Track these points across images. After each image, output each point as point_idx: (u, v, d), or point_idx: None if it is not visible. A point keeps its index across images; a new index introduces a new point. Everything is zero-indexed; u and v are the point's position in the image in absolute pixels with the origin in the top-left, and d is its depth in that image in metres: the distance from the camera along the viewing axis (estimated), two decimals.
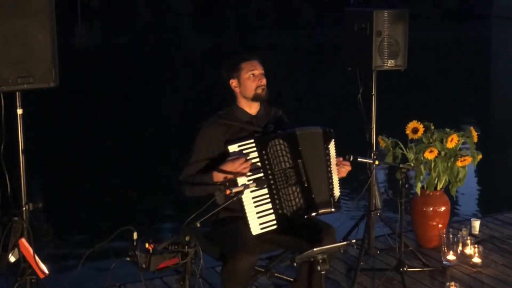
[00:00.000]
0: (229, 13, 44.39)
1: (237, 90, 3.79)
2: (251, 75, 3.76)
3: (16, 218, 3.63)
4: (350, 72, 4.91)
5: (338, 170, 3.77)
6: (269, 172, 3.59)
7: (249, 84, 3.76)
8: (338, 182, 3.77)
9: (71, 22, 36.15)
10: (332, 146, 3.75)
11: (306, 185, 3.62)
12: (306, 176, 3.62)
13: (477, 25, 40.40)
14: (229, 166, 3.55)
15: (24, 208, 3.64)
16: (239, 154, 3.58)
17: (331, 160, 3.73)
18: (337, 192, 3.75)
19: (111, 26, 38.62)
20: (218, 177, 3.57)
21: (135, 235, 3.03)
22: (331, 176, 3.72)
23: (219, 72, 3.81)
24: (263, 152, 3.60)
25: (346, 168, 3.82)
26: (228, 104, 3.85)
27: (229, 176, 3.54)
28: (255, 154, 3.60)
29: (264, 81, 3.79)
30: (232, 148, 3.60)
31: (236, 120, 3.77)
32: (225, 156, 3.61)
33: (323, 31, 33.35)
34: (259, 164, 3.60)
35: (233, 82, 3.79)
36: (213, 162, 3.68)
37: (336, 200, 3.73)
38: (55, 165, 10.13)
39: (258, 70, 3.78)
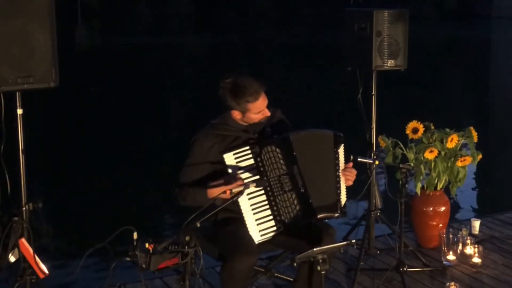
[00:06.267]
0: (229, 13, 44.38)
1: (238, 117, 3.69)
2: (258, 112, 3.67)
3: (16, 218, 3.63)
4: (350, 72, 4.91)
5: (344, 177, 3.70)
6: (265, 178, 3.56)
7: (255, 117, 3.68)
8: (345, 188, 3.71)
9: (71, 22, 36.14)
10: (341, 151, 3.70)
11: (302, 190, 3.57)
12: (303, 181, 3.57)
13: (477, 25, 40.39)
14: (225, 181, 3.50)
15: (24, 208, 3.64)
16: (234, 168, 3.54)
17: (340, 164, 3.68)
18: (343, 197, 3.69)
19: (111, 26, 38.61)
20: (213, 193, 3.50)
21: (135, 235, 3.03)
22: (339, 180, 3.67)
23: (218, 86, 3.65)
24: (258, 159, 3.56)
25: (352, 175, 3.72)
26: (222, 110, 3.77)
27: (227, 189, 3.46)
28: (252, 161, 3.58)
29: (268, 112, 3.69)
30: (228, 156, 3.56)
31: (231, 130, 3.70)
32: (222, 164, 3.57)
33: (323, 31, 33.34)
34: (256, 170, 3.58)
35: (236, 113, 3.67)
36: (209, 173, 3.63)
37: (342, 205, 3.66)
38: (55, 165, 10.14)
39: (264, 105, 3.66)
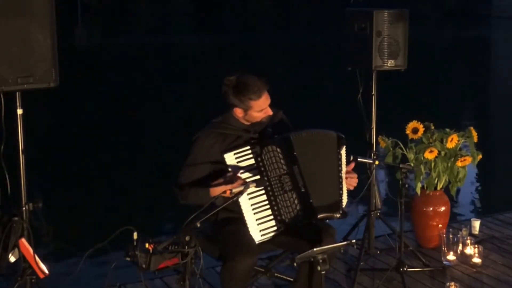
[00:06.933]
0: (229, 13, 44.40)
1: (240, 115, 3.70)
2: (260, 111, 3.68)
3: (16, 218, 3.63)
4: (350, 72, 4.91)
5: (346, 180, 3.69)
6: (265, 178, 3.55)
7: (257, 116, 3.69)
8: (346, 190, 3.71)
9: (71, 22, 36.16)
10: (343, 153, 3.70)
11: (303, 190, 3.56)
12: (303, 181, 3.56)
13: (477, 25, 40.40)
14: (225, 180, 3.51)
15: (24, 208, 3.64)
16: (234, 167, 3.54)
17: (342, 165, 3.68)
18: (345, 198, 3.69)
19: (111, 26, 38.62)
20: (215, 192, 3.50)
21: (135, 235, 3.03)
22: (341, 181, 3.67)
23: (222, 84, 3.66)
24: (259, 159, 3.56)
25: (354, 180, 3.72)
26: (224, 109, 3.77)
27: (227, 189, 3.47)
28: (252, 161, 3.58)
29: (270, 111, 3.71)
30: (228, 156, 3.56)
31: (232, 129, 3.70)
32: (222, 164, 3.57)
33: (323, 31, 33.35)
34: (257, 170, 3.57)
35: (238, 110, 3.68)
36: (210, 172, 3.64)
37: (343, 206, 3.65)
38: (55, 165, 10.13)
39: (266, 103, 3.68)
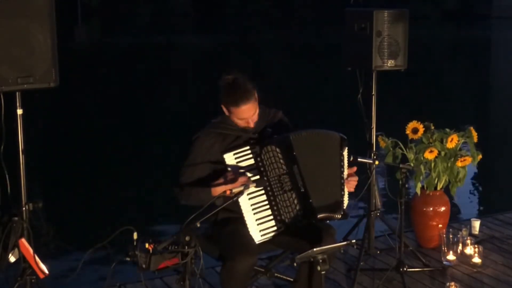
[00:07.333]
0: (229, 13, 44.40)
1: (227, 114, 3.73)
2: (240, 119, 3.69)
3: (16, 218, 3.63)
4: (350, 72, 4.91)
5: (347, 182, 3.71)
6: (265, 178, 3.56)
7: (237, 121, 3.70)
8: (347, 191, 3.71)
9: (71, 22, 36.15)
10: (345, 154, 3.70)
11: (302, 190, 3.56)
12: (303, 181, 3.55)
13: (477, 25, 40.39)
14: (225, 180, 3.52)
15: (24, 208, 3.65)
16: (234, 167, 3.54)
17: (344, 167, 3.69)
18: (346, 200, 3.69)
19: (111, 26, 38.62)
20: (217, 192, 3.51)
21: (135, 235, 3.03)
22: (343, 182, 3.67)
23: (218, 85, 3.70)
24: (258, 159, 3.57)
25: (354, 182, 3.74)
26: (222, 111, 3.79)
27: (228, 189, 3.48)
28: (252, 161, 3.59)
29: (251, 124, 3.70)
30: (228, 156, 3.57)
31: (232, 129, 3.71)
32: (222, 164, 3.58)
33: (323, 31, 33.34)
34: (256, 170, 3.58)
35: (224, 109, 3.72)
36: (210, 172, 3.65)
37: (344, 208, 3.66)
38: (55, 165, 10.13)
39: (246, 115, 3.66)
